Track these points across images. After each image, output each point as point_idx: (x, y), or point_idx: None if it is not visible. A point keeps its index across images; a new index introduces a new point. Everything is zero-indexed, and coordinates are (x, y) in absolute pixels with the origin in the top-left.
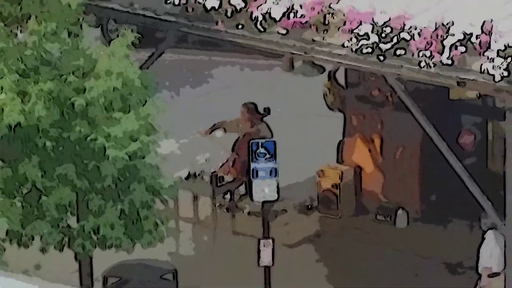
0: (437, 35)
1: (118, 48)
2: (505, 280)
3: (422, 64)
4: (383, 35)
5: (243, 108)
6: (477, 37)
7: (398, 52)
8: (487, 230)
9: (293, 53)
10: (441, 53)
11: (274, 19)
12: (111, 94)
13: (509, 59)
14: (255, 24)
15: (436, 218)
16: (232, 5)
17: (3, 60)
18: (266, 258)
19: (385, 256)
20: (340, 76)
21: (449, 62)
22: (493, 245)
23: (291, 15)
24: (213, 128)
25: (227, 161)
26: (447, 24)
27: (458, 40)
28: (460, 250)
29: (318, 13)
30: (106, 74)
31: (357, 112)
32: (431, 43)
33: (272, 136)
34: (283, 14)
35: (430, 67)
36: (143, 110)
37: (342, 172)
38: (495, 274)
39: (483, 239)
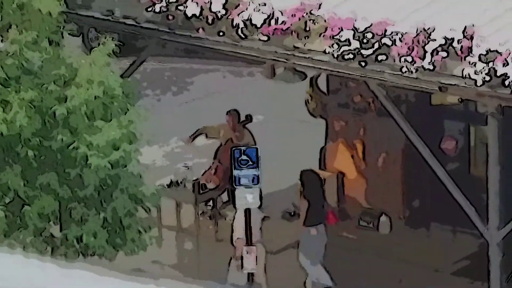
0: (419, 41)
1: (99, 57)
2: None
3: (404, 69)
4: (365, 41)
5: (228, 116)
6: (458, 42)
7: (380, 58)
8: None
9: (274, 60)
10: (423, 59)
11: (255, 26)
12: (93, 103)
13: (490, 64)
14: (236, 31)
15: (419, 223)
16: (213, 12)
17: None
18: (249, 264)
19: (368, 262)
20: (322, 83)
21: (431, 67)
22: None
23: (272, 21)
24: (196, 135)
25: (209, 168)
26: (428, 29)
27: (440, 45)
28: (443, 255)
29: (299, 19)
30: (87, 82)
31: (339, 118)
32: (413, 49)
33: (255, 143)
34: (264, 21)
35: (411, 72)
36: (125, 118)
37: (324, 179)
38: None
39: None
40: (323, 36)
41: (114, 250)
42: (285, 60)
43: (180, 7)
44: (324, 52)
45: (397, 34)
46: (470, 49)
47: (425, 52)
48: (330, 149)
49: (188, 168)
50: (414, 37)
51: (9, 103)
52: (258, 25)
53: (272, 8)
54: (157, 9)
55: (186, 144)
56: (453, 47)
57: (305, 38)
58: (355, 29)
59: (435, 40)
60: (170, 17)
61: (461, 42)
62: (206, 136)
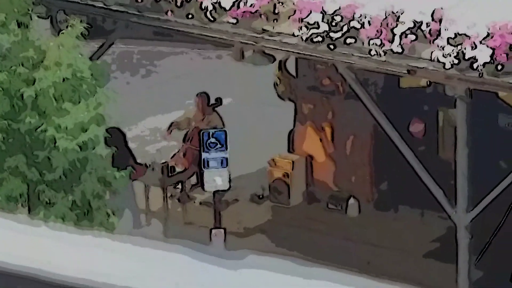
0: (387, 24)
1: (67, 39)
2: None
3: (373, 52)
4: (333, 24)
5: (198, 98)
6: (427, 25)
7: (348, 40)
8: None
9: (243, 43)
10: (391, 42)
11: (224, 8)
12: (61, 85)
13: (459, 47)
14: (205, 14)
15: (387, 206)
16: None
17: None
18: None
19: (337, 244)
20: (291, 66)
21: (400, 50)
22: None
23: (241, 4)
24: (171, 129)
25: (178, 151)
26: (397, 12)
27: (408, 28)
28: (411, 238)
29: (268, 2)
30: (56, 65)
31: (307, 101)
32: (381, 32)
33: (223, 126)
34: (233, 4)
35: (380, 55)
36: (93, 100)
37: (293, 162)
38: None
39: None
40: (292, 19)
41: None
42: (253, 43)
43: None
44: (293, 35)
45: (365, 17)
46: (438, 32)
47: (394, 35)
48: (299, 132)
49: (157, 151)
50: (383, 20)
51: None
52: (227, 8)
53: None
54: None
55: (167, 140)
56: (422, 30)
57: (274, 21)
58: (323, 12)
59: (403, 23)
60: (139, 0)
61: (429, 25)
62: (179, 129)
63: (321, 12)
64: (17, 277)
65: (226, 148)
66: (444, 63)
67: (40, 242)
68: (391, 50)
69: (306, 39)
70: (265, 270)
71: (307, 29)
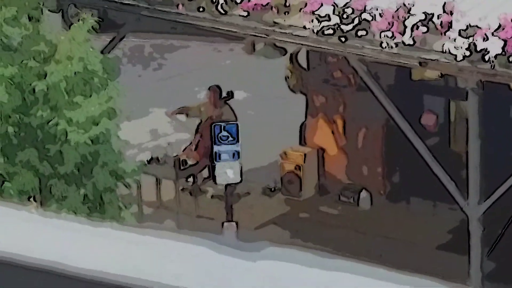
0: (399, 16)
1: (78, 33)
2: None
3: (384, 45)
4: (345, 16)
5: (210, 91)
6: (438, 17)
7: (360, 33)
8: None
9: (254, 36)
10: (403, 34)
11: (235, 1)
12: (72, 79)
13: (470, 39)
14: (216, 7)
15: (399, 198)
16: None
17: None
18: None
19: (349, 237)
20: (302, 58)
21: (411, 42)
22: None
23: None
24: (178, 112)
25: (190, 144)
26: (408, 4)
27: (420, 20)
28: (423, 230)
29: None
30: (67, 58)
31: (319, 94)
32: (393, 24)
33: (235, 119)
34: None
35: (391, 47)
36: (104, 94)
37: (305, 154)
38: None
39: None
40: (303, 11)
41: None
42: (265, 36)
43: None
44: (304, 27)
45: (377, 9)
46: (450, 24)
47: (405, 27)
48: (310, 124)
49: (169, 144)
50: (394, 12)
51: None
52: (238, 1)
53: None
54: None
55: (168, 116)
56: (433, 22)
57: (285, 14)
58: (335, 5)
59: (415, 15)
60: None
61: (441, 17)
62: (187, 116)
63: (332, 5)
64: (32, 270)
65: (238, 141)
66: (455, 55)
67: (54, 234)
68: (403, 42)
69: (317, 31)
70: (285, 262)
71: (318, 22)
